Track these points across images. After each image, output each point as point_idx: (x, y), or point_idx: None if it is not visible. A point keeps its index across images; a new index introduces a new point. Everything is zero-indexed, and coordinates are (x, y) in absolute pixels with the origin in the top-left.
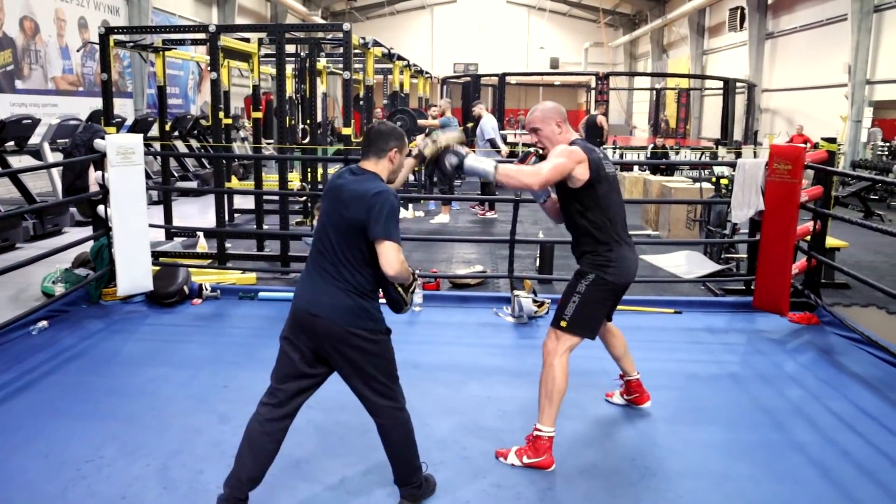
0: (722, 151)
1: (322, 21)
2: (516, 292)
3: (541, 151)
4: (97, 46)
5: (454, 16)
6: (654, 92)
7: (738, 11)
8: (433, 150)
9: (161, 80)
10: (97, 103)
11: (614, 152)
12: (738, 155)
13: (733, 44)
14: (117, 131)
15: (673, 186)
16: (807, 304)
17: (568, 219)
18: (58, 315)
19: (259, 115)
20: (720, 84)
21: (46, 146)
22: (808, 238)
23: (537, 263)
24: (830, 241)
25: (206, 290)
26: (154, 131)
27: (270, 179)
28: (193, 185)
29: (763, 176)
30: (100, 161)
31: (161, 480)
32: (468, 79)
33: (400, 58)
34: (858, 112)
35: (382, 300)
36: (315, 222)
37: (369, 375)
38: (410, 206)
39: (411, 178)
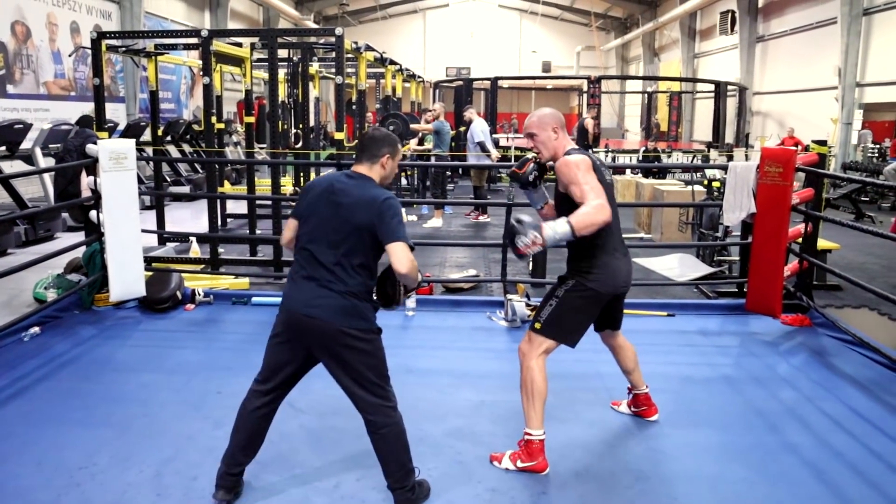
0: (713, 154)
1: (314, 25)
2: (509, 296)
3: (537, 157)
4: (89, 51)
5: (446, 20)
6: (646, 95)
7: (729, 15)
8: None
9: (153, 85)
10: (89, 108)
11: (607, 155)
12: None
13: (724, 47)
14: (109, 136)
15: (665, 189)
16: (799, 306)
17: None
18: (50, 321)
19: (251, 119)
20: (711, 87)
21: (38, 151)
22: (800, 240)
23: (530, 267)
24: (822, 243)
25: (199, 295)
26: (146, 136)
27: (263, 184)
28: (186, 189)
29: (754, 179)
30: (92, 166)
31: (155, 487)
32: (460, 83)
33: (392, 62)
34: (849, 114)
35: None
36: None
37: (361, 374)
38: (403, 209)
39: (403, 181)
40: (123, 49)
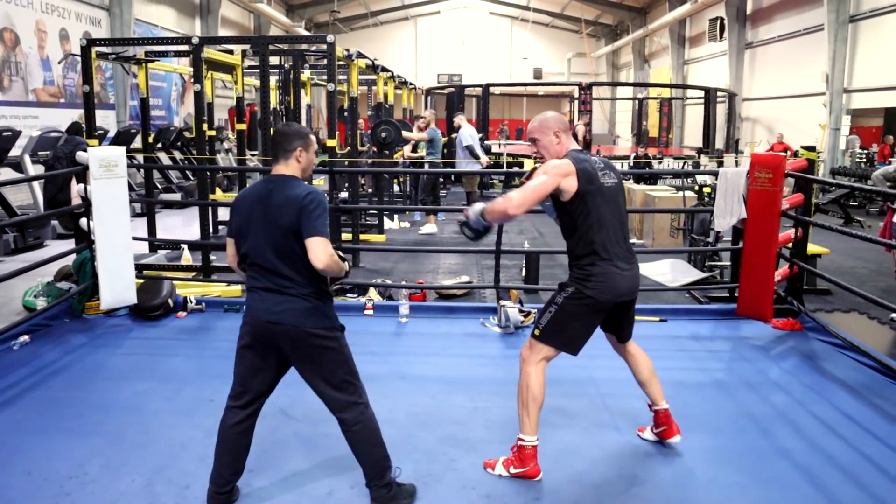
0: (704, 160)
1: (306, 33)
2: (502, 302)
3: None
4: (79, 58)
5: (438, 27)
6: (637, 101)
7: (718, 22)
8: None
9: (144, 92)
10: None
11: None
12: (720, 164)
13: (713, 53)
14: (100, 143)
15: (656, 195)
16: (790, 311)
17: (562, 230)
18: (40, 329)
19: (243, 126)
20: (701, 93)
21: (27, 159)
22: (790, 245)
23: (523, 273)
24: (812, 248)
25: (191, 302)
26: (137, 143)
27: None
28: (177, 197)
29: (745, 184)
30: (82, 173)
31: (147, 496)
32: (452, 89)
33: (384, 69)
34: (836, 120)
35: (348, 300)
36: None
37: (330, 371)
38: (396, 216)
39: (396, 188)
40: (113, 56)
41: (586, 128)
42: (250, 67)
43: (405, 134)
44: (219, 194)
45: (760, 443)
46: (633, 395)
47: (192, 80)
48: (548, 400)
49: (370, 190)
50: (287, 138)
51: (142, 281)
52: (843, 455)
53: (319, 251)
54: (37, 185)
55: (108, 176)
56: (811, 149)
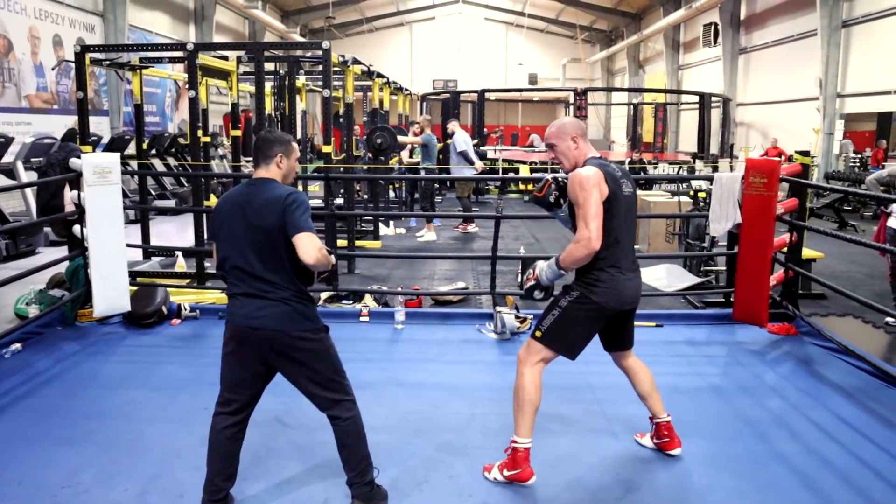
0: (699, 165)
1: (301, 39)
2: (499, 308)
3: (559, 176)
4: (73, 64)
5: (433, 33)
6: (632, 107)
7: (712, 27)
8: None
9: (138, 98)
10: (72, 121)
11: None
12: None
13: (708, 59)
14: (93, 150)
15: (652, 201)
16: (785, 315)
17: (574, 232)
18: (32, 337)
19: (238, 132)
20: (696, 98)
21: (20, 165)
22: (785, 250)
23: (519, 279)
24: (807, 253)
25: (185, 310)
26: (131, 149)
27: None
28: (171, 203)
29: (740, 189)
30: (75, 180)
31: None
32: (447, 95)
33: (379, 75)
34: (830, 125)
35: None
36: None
37: (317, 372)
38: (391, 222)
39: (391, 194)
40: (107, 62)
41: None
42: (245, 73)
43: (400, 138)
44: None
45: (757, 447)
46: (631, 400)
47: (187, 86)
48: (544, 406)
49: (366, 196)
50: (268, 144)
51: (135, 288)
52: (839, 459)
53: (309, 246)
54: (29, 191)
55: (101, 182)
56: (805, 153)
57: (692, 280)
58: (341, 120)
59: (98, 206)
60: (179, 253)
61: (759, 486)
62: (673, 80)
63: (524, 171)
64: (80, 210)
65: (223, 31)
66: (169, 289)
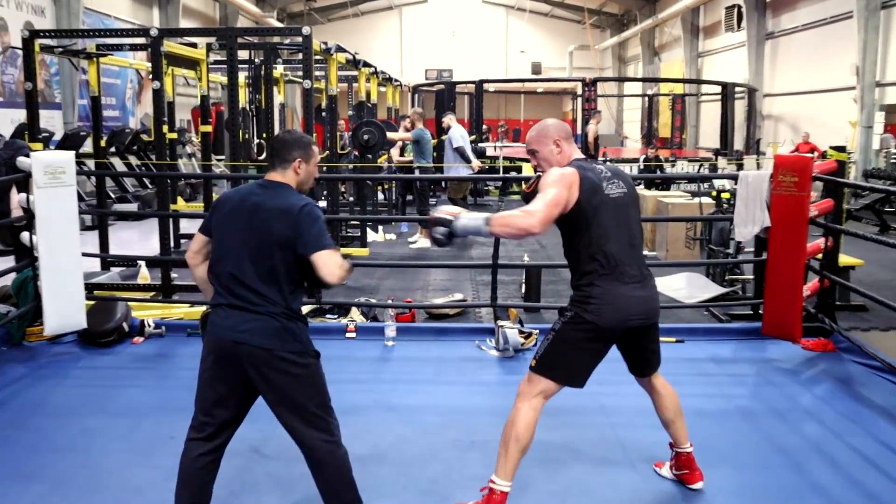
0: (722, 163)
1: (278, 24)
2: (500, 322)
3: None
4: (20, 52)
5: (425, 17)
6: (646, 98)
7: (735, 10)
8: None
9: (95, 90)
10: (20, 115)
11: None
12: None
13: (731, 45)
14: (45, 147)
15: (670, 202)
16: (821, 330)
17: (563, 245)
18: None
19: (208, 128)
20: (717, 89)
21: None
22: (820, 256)
23: (523, 290)
24: (844, 259)
25: (149, 326)
26: (87, 147)
27: None
28: (133, 207)
29: (768, 189)
30: (24, 182)
31: None
32: (442, 86)
33: (366, 64)
34: (869, 117)
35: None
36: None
37: (297, 404)
38: (381, 228)
39: (381, 196)
40: (60, 49)
41: (593, 127)
42: (216, 63)
43: (389, 135)
44: (180, 204)
45: (791, 479)
46: (649, 424)
47: (151, 76)
48: (553, 433)
49: (351, 198)
50: (286, 147)
51: (92, 302)
52: (886, 492)
53: (333, 266)
54: None
55: (54, 184)
56: (841, 149)
57: (716, 290)
58: (324, 114)
59: (50, 210)
60: (142, 263)
61: None
62: (692, 68)
63: (527, 170)
64: (28, 215)
65: (191, 15)
66: (130, 303)
